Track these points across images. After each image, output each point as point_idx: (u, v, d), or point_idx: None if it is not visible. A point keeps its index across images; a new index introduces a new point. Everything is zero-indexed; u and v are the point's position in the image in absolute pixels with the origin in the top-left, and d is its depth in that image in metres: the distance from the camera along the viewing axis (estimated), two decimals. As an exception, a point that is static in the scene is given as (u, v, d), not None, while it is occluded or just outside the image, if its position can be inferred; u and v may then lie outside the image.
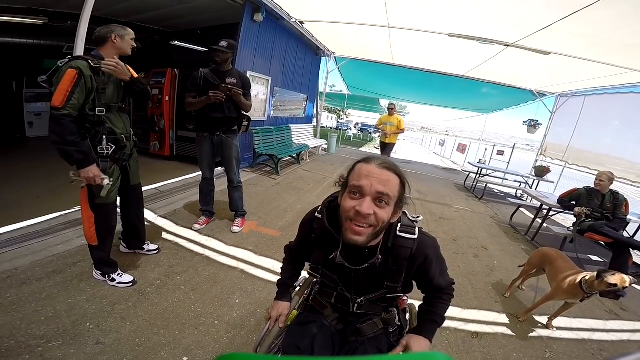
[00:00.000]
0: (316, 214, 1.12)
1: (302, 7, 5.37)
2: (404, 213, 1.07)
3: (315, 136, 9.61)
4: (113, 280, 2.15)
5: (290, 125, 7.56)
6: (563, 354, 2.21)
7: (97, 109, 1.92)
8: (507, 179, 8.10)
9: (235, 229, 3.21)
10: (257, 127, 5.90)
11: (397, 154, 15.16)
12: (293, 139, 7.55)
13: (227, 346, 1.79)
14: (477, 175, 7.53)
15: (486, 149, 11.31)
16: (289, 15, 5.74)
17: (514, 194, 8.03)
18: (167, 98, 5.45)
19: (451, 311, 2.43)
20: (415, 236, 1.02)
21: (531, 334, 2.36)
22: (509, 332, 2.35)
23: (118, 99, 2.08)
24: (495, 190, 8.18)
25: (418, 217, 1.09)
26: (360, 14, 5.04)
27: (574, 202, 3.86)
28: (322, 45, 8.14)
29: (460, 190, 7.50)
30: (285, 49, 6.76)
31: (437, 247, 1.09)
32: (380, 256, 1.00)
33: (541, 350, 2.20)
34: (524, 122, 8.03)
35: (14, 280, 2.04)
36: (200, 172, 3.15)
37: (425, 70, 8.28)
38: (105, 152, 1.98)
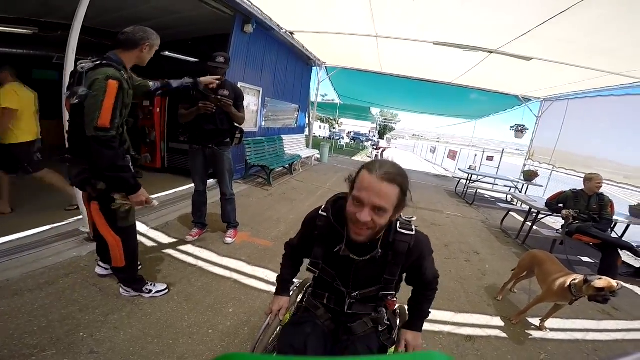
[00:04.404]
0: (320, 211, 1.18)
1: (292, 18, 5.47)
2: (400, 216, 1.14)
3: (307, 146, 9.66)
4: (150, 291, 2.16)
5: (282, 136, 7.58)
6: (557, 354, 2.22)
7: (124, 127, 1.76)
8: (497, 184, 8.22)
9: (228, 240, 3.20)
10: (249, 138, 5.91)
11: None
12: (285, 149, 7.57)
13: (220, 354, 1.76)
14: (468, 182, 7.63)
15: (476, 155, 11.49)
16: (279, 26, 5.83)
17: (504, 199, 8.14)
18: (157, 109, 5.44)
19: (444, 315, 2.47)
20: (413, 232, 1.11)
21: (525, 336, 2.38)
22: (503, 334, 2.36)
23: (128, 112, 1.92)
24: (486, 196, 8.29)
25: (412, 217, 1.17)
26: (348, 24, 5.15)
27: (561, 205, 3.93)
28: (312, 55, 8.26)
29: (451, 197, 7.58)
30: (276, 59, 6.84)
31: (429, 244, 1.20)
32: (380, 250, 1.09)
33: (535, 352, 2.21)
34: (511, 127, 8.23)
35: (6, 291, 2.02)
36: (192, 184, 3.14)
37: (413, 79, 8.46)
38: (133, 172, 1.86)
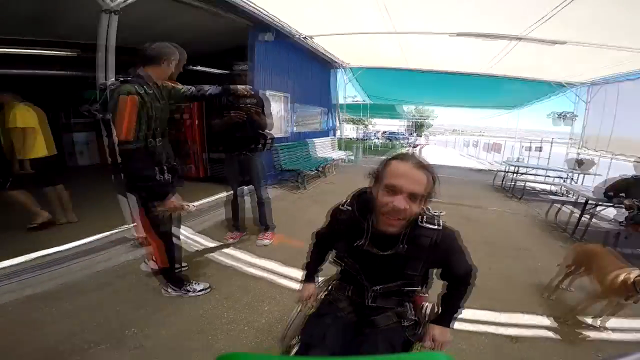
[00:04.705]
0: (343, 206, 1.20)
1: (309, 22, 5.50)
2: (427, 209, 1.13)
3: (338, 148, 9.66)
4: (193, 290, 2.32)
5: (312, 139, 7.69)
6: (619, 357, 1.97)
7: (156, 138, 1.87)
8: (548, 176, 7.55)
9: (265, 241, 3.32)
10: (280, 144, 6.05)
11: (427, 159, 14.75)
12: (316, 152, 7.65)
13: (254, 349, 1.88)
14: (514, 175, 7.11)
15: (522, 146, 10.69)
16: (297, 31, 5.92)
17: (556, 191, 7.45)
18: (196, 122, 5.81)
19: (486, 315, 2.33)
20: (438, 227, 1.09)
21: (580, 337, 2.16)
22: (554, 335, 2.17)
23: (165, 124, 2.04)
24: (536, 189, 7.63)
25: (441, 212, 1.14)
26: (363, 23, 5.07)
27: (622, 194, 3.52)
28: (335, 58, 8.28)
29: (496, 191, 7.13)
30: (300, 64, 6.95)
31: (459, 239, 1.16)
32: (404, 245, 1.08)
33: (592, 355, 1.99)
34: (558, 115, 7.53)
35: (71, 291, 2.32)
36: (231, 191, 3.32)
37: (441, 72, 8.11)
38: (169, 180, 1.98)
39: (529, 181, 6.93)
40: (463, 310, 1.24)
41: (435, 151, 19.39)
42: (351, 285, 1.25)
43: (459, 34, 4.77)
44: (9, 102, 3.21)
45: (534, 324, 2.28)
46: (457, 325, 2.04)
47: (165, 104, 1.99)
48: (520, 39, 4.62)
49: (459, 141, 25.97)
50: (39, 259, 2.66)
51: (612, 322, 2.25)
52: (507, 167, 7.39)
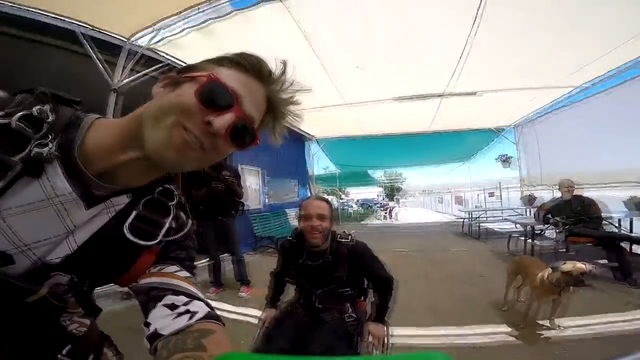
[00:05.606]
0: (286, 239, 1.71)
1: None
2: (344, 231, 1.65)
3: (313, 216, 9.95)
4: None
5: (286, 210, 8.01)
6: (578, 348, 2.21)
7: None
8: (501, 216, 8.26)
9: (242, 294, 3.56)
10: (254, 214, 6.40)
11: (399, 220, 15.38)
12: (290, 222, 7.88)
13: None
14: (471, 220, 7.77)
15: (478, 195, 11.72)
16: None
17: (513, 228, 8.03)
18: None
19: (446, 331, 2.57)
20: (350, 240, 1.59)
21: (537, 337, 2.41)
22: (512, 339, 2.41)
23: None
24: (496, 229, 8.22)
25: (352, 231, 1.68)
26: (320, 99, 5.69)
27: (549, 215, 4.10)
28: (301, 131, 9.07)
29: (459, 237, 7.69)
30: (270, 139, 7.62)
31: (369, 248, 1.63)
32: (330, 256, 1.54)
33: (551, 351, 2.20)
34: (495, 159, 8.57)
35: None
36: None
37: (395, 135, 9.00)
38: None
39: (485, 222, 7.56)
40: (391, 311, 1.59)
41: (407, 213, 20.21)
42: (302, 294, 1.65)
43: (400, 98, 5.67)
44: None
45: (493, 332, 2.52)
46: (418, 341, 2.31)
47: None
48: (442, 95, 5.53)
49: (428, 200, 27.40)
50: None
51: (569, 320, 2.53)
52: (464, 215, 8.03)
